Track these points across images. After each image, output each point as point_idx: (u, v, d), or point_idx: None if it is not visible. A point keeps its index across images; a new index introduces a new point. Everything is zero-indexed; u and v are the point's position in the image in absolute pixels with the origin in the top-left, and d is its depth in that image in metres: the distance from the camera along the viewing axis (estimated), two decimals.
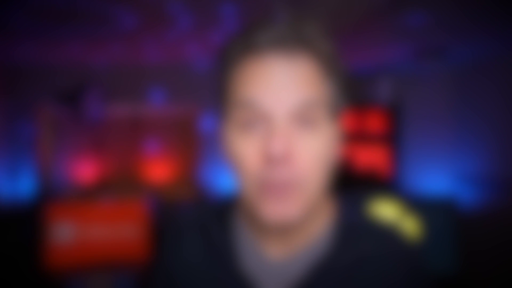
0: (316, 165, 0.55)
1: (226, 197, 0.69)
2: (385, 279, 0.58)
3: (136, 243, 3.90)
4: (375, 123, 4.45)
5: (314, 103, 0.55)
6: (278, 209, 0.54)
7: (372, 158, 4.49)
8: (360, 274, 0.58)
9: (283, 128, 0.54)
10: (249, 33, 0.56)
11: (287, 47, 0.55)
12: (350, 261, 0.59)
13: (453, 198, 3.53)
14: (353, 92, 4.04)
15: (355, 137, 4.62)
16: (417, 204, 3.16)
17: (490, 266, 3.23)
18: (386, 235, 0.62)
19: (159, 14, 2.52)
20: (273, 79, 0.54)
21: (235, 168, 0.57)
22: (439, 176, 3.81)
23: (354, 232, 0.61)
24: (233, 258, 0.62)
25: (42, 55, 3.97)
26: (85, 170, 4.92)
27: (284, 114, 0.54)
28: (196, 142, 5.03)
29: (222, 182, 4.68)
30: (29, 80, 4.67)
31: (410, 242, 0.62)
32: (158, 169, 5.06)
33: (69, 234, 3.79)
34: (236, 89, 0.56)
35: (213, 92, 0.62)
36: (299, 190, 0.54)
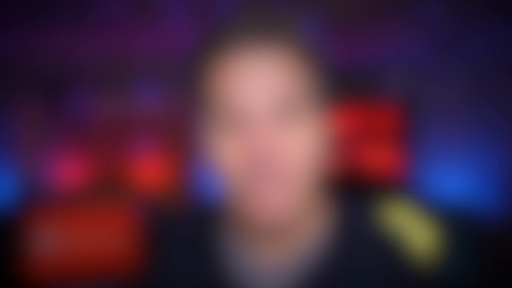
0: (301, 160, 0.57)
1: (216, 202, 0.71)
2: None
3: (124, 251, 3.90)
4: (386, 120, 4.43)
5: (293, 96, 0.57)
6: (265, 207, 0.57)
7: (382, 158, 4.47)
8: (353, 286, 0.60)
9: (264, 125, 0.56)
10: (220, 29, 0.59)
11: (260, 39, 0.56)
12: (344, 270, 0.61)
13: (473, 203, 3.52)
14: (363, 86, 4.04)
15: (364, 135, 4.60)
16: (432, 210, 3.14)
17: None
18: (387, 247, 0.62)
19: (150, 1, 2.52)
20: (249, 75, 0.56)
21: (219, 170, 0.60)
22: (457, 179, 3.80)
23: (353, 241, 0.63)
24: (224, 266, 0.64)
25: (23, 45, 3.97)
26: (70, 171, 4.92)
27: (263, 110, 0.56)
28: (191, 142, 5.02)
29: (217, 185, 4.67)
30: (8, 73, 4.66)
31: (415, 257, 0.63)
32: (149, 171, 5.06)
33: (52, 241, 3.79)
34: (212, 88, 0.59)
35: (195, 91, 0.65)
36: (285, 187, 0.57)
